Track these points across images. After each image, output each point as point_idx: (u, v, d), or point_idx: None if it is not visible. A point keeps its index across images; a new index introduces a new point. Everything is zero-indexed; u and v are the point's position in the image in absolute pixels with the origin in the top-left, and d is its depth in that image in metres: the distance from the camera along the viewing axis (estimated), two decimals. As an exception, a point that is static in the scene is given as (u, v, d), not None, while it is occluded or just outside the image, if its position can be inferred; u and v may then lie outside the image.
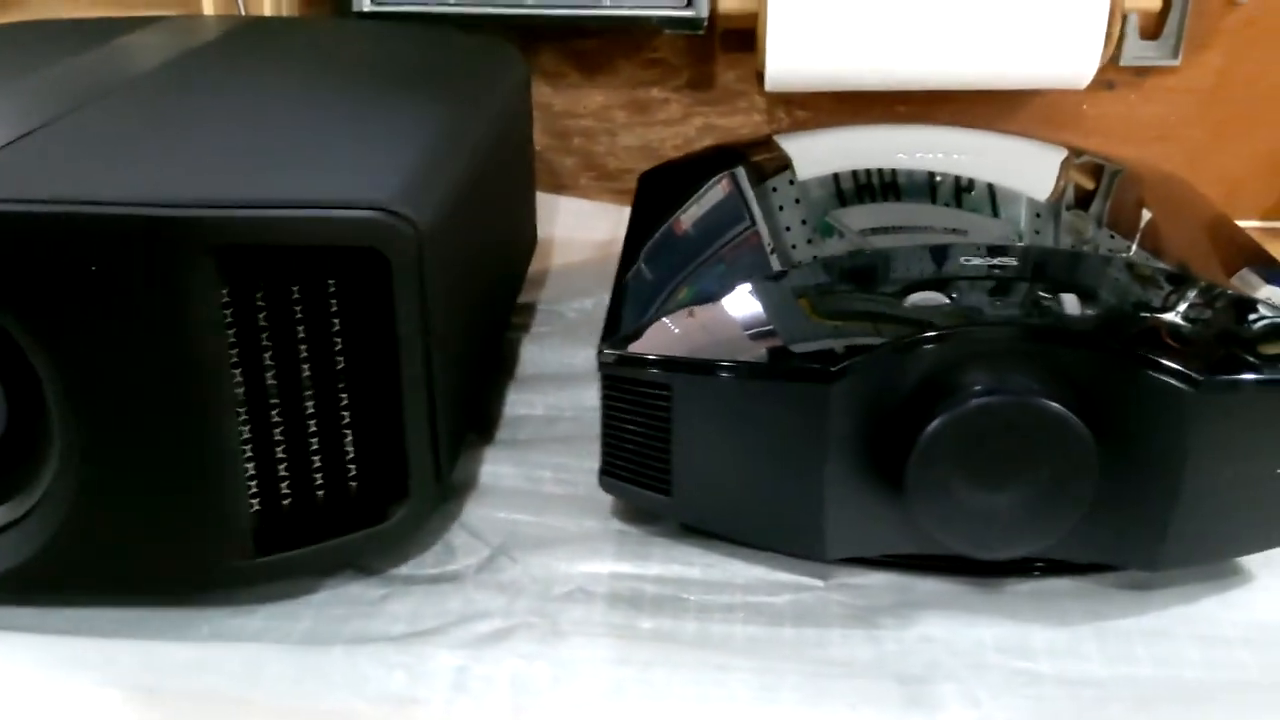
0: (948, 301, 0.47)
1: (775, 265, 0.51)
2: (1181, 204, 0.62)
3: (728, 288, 0.50)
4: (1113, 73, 0.93)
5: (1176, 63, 0.92)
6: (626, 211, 0.69)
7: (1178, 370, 0.44)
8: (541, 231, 0.92)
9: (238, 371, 0.45)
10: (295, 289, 0.45)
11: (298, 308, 0.45)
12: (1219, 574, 0.52)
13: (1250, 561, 0.53)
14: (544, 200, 0.99)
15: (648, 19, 0.84)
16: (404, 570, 0.53)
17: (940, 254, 0.50)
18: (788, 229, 0.55)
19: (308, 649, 0.47)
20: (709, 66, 0.96)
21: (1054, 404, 0.44)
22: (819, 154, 0.67)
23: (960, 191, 0.58)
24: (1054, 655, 0.47)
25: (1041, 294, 0.47)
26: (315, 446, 0.47)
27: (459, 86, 0.64)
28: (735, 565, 0.53)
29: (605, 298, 0.60)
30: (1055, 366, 0.46)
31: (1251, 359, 0.46)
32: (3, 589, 0.47)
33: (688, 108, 0.97)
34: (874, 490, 0.47)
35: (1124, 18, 0.90)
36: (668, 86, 0.97)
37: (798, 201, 0.58)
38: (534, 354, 0.73)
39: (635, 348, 0.49)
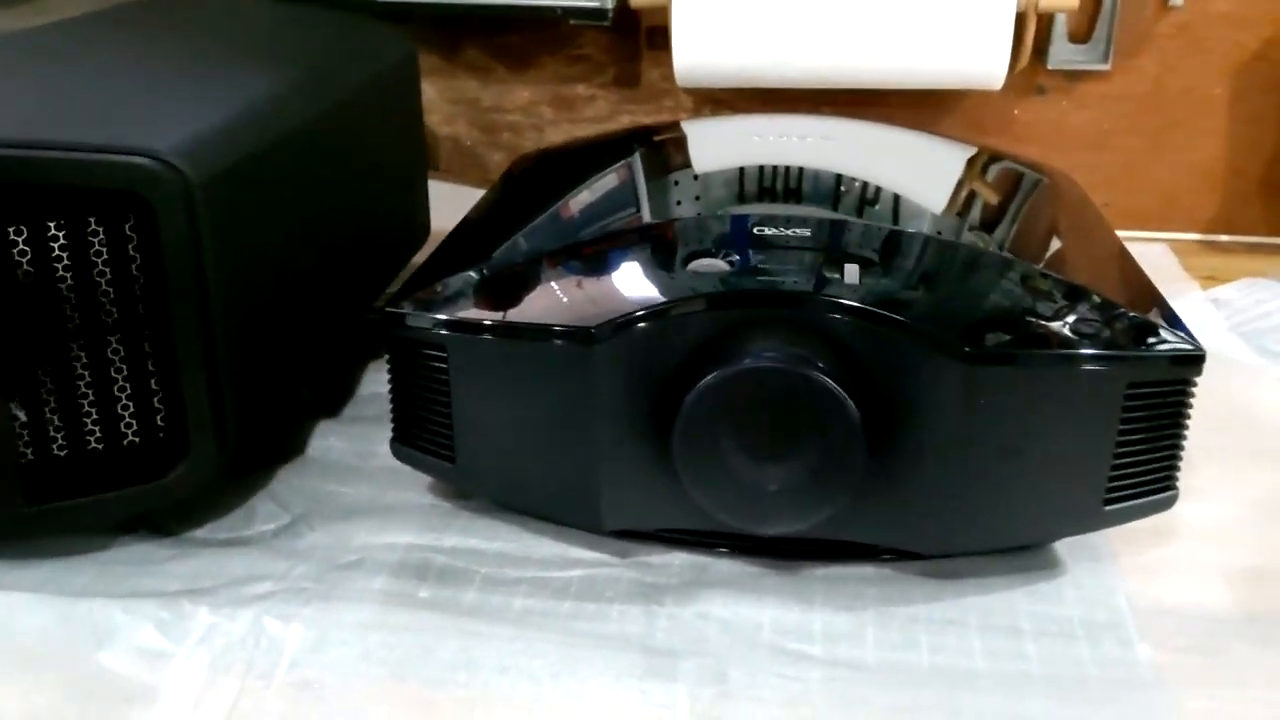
0: (727, 268, 0.46)
1: (576, 238, 0.50)
2: (1054, 203, 0.60)
3: (518, 257, 0.49)
4: (1043, 77, 0.92)
5: (1106, 67, 0.90)
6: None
7: (946, 337, 0.43)
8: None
9: (-1, 315, 0.45)
10: (61, 234, 0.45)
11: (64, 252, 0.45)
12: (1033, 566, 0.50)
13: (1070, 555, 0.51)
14: (470, 194, 0.98)
15: (553, 9, 0.83)
16: (199, 533, 0.52)
17: (738, 223, 0.49)
18: (614, 210, 0.54)
19: (68, 599, 0.46)
20: (634, 65, 0.96)
21: (817, 373, 0.43)
22: (705, 142, 0.66)
23: (804, 179, 0.57)
24: (830, 639, 0.45)
25: (825, 263, 0.46)
26: (88, 396, 0.47)
27: (314, 65, 0.63)
28: (538, 541, 0.51)
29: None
30: (830, 337, 0.44)
31: (1035, 334, 0.44)
32: None
33: (615, 105, 0.97)
34: (649, 461, 0.46)
35: (1048, 19, 0.88)
36: (594, 83, 0.96)
37: (644, 188, 0.57)
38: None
39: (417, 309, 0.48)
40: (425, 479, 0.56)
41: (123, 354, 0.47)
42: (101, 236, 0.45)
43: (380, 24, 0.75)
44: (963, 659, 0.44)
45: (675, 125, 0.69)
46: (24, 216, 0.44)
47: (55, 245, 0.45)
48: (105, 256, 0.46)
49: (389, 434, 0.60)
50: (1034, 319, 0.44)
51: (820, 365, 0.43)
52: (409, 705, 0.42)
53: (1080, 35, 0.90)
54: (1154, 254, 0.89)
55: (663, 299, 0.44)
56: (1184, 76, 0.91)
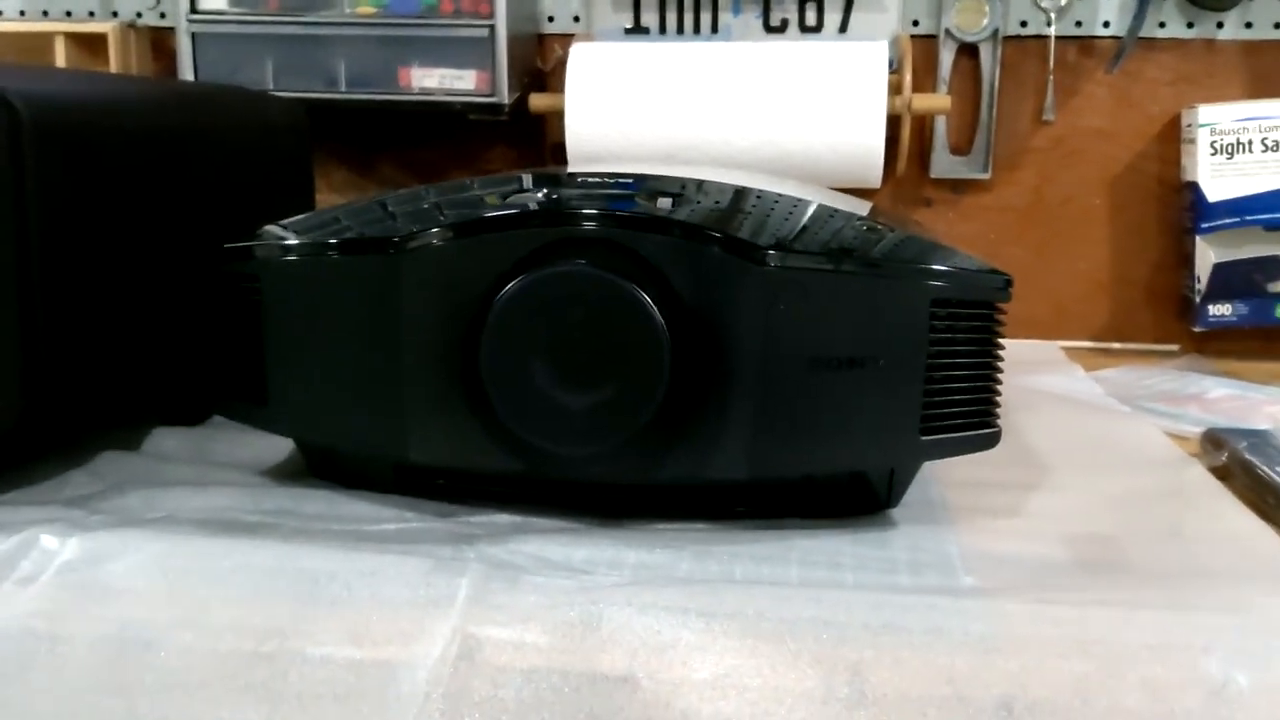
0: (542, 199, 0.46)
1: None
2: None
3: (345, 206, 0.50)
4: (929, 189, 0.95)
5: (987, 176, 0.94)
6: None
7: (744, 243, 0.43)
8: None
9: None
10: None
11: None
12: (865, 524, 0.48)
13: (904, 517, 0.49)
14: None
15: (451, 104, 0.87)
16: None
17: (564, 176, 0.50)
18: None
19: None
20: (540, 177, 0.99)
21: (622, 279, 0.42)
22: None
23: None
24: (642, 569, 0.43)
25: (640, 197, 0.47)
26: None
27: (191, 94, 0.66)
28: (357, 505, 0.50)
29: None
30: (637, 259, 0.44)
31: (835, 248, 0.44)
32: None
33: (520, 217, 1.00)
34: (457, 388, 0.45)
35: (929, 131, 0.93)
36: (501, 196, 1.00)
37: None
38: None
39: (233, 249, 0.48)
40: (259, 466, 0.54)
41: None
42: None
43: (278, 96, 0.79)
44: (778, 580, 0.42)
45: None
46: None
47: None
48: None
49: (234, 435, 0.59)
50: (836, 240, 0.45)
51: (627, 276, 0.43)
52: (192, 604, 0.39)
53: (961, 148, 0.95)
54: (1044, 350, 0.91)
55: (469, 216, 0.45)
56: (1063, 188, 0.95)
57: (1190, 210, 0.90)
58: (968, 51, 0.93)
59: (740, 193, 0.49)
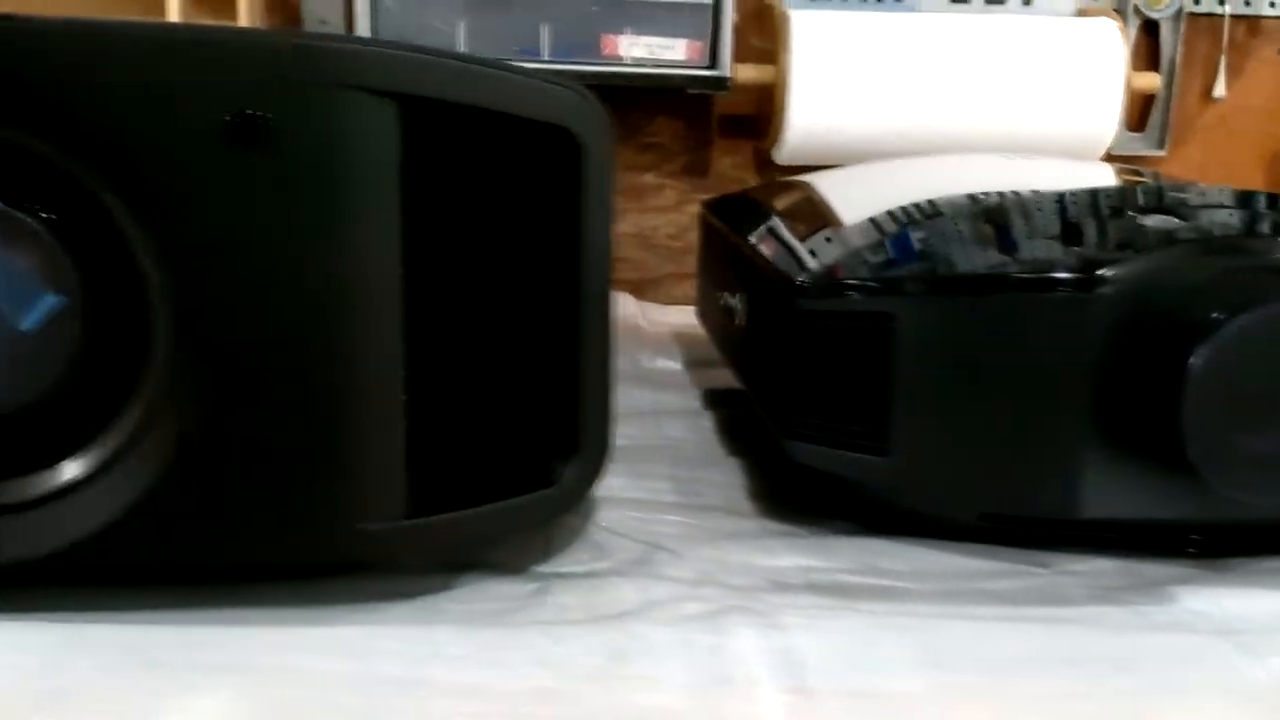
0: (1182, 223, 0.43)
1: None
2: None
3: (925, 224, 0.45)
4: (1101, 166, 0.95)
5: (1163, 153, 0.94)
6: (625, 298, 0.82)
7: None
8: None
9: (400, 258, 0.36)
10: (484, 173, 0.37)
11: (483, 196, 0.37)
12: None
13: None
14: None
15: (671, 77, 0.80)
16: (545, 568, 0.43)
17: (1148, 189, 0.46)
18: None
19: (485, 629, 0.37)
20: (706, 152, 0.93)
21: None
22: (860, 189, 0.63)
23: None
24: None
25: (1256, 224, 0.44)
26: (482, 386, 0.38)
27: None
28: (935, 556, 0.45)
29: (658, 358, 0.71)
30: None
31: None
32: (71, 564, 0.35)
33: (683, 194, 0.94)
34: (1138, 434, 0.41)
35: (1116, 107, 0.92)
36: (664, 172, 0.93)
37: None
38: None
39: (832, 280, 0.42)
40: (745, 508, 0.49)
41: (529, 325, 0.39)
42: (519, 180, 0.38)
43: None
44: None
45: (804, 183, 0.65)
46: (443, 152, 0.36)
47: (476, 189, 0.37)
48: (521, 204, 0.38)
49: (661, 469, 0.53)
50: None
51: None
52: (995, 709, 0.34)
53: (1133, 124, 0.94)
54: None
55: (1161, 242, 0.41)
56: (1223, 164, 0.96)
57: (1353, 189, 0.93)
58: (1143, 28, 0.93)
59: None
